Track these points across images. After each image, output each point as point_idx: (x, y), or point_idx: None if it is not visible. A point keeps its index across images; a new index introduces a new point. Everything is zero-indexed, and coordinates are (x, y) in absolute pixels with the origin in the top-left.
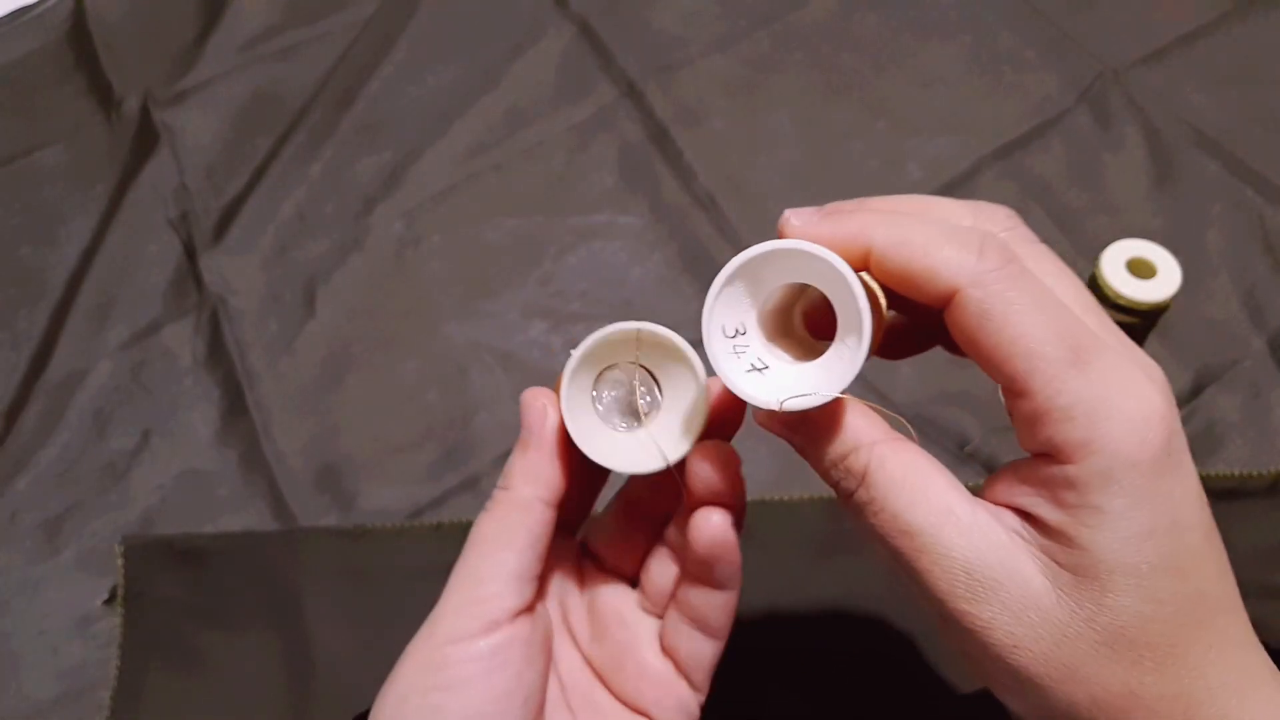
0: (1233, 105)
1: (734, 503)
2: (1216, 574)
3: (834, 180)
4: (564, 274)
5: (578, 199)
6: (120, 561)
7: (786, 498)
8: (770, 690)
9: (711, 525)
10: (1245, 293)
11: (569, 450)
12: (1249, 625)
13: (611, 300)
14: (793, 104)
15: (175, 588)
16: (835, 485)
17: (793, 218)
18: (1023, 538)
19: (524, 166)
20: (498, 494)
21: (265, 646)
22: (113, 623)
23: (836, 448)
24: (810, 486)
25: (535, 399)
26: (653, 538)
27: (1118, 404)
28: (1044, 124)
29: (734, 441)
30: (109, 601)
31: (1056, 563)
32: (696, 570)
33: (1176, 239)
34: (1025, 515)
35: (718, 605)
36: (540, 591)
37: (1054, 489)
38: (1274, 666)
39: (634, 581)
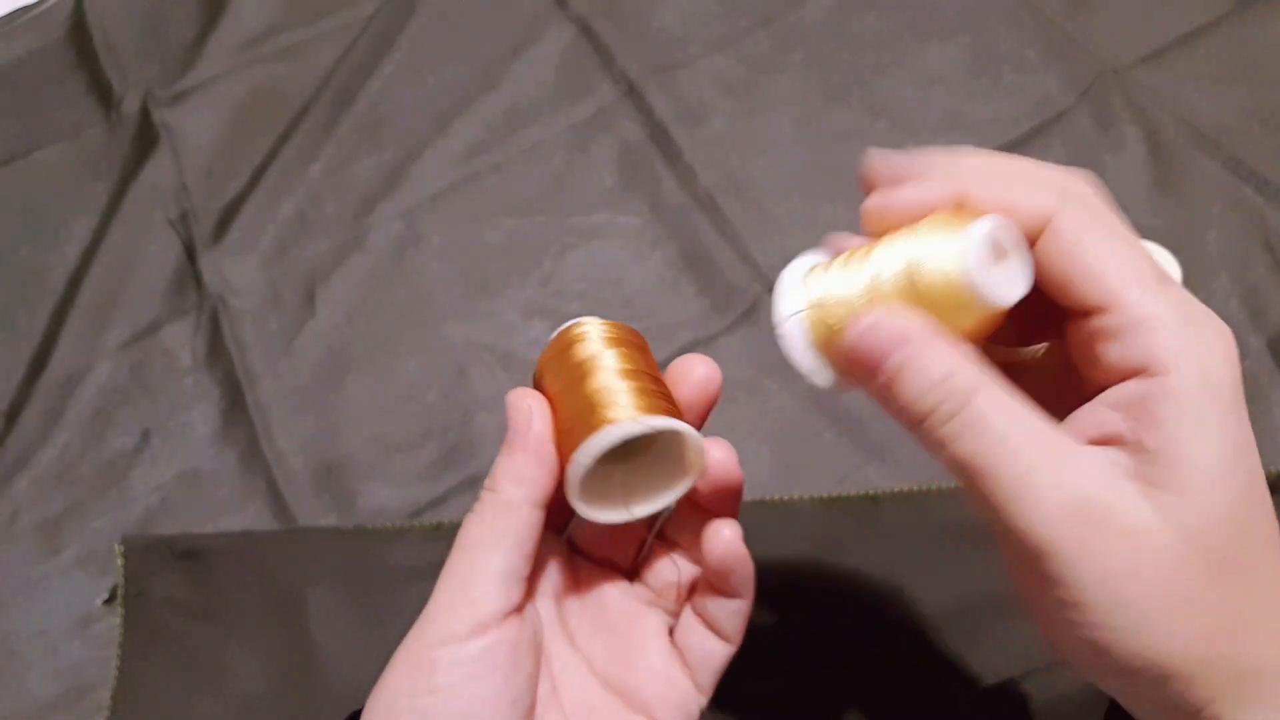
0: (1233, 105)
1: (735, 499)
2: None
3: (834, 180)
4: (564, 274)
5: (578, 199)
6: (120, 561)
7: (786, 498)
8: (767, 691)
9: (723, 539)
10: (1245, 293)
11: (555, 449)
12: None
13: (611, 300)
14: (793, 104)
15: (175, 588)
16: (928, 414)
17: (877, 166)
18: (1120, 466)
19: (524, 166)
20: (484, 496)
21: (265, 646)
22: (113, 623)
23: (936, 367)
24: (810, 486)
25: (521, 399)
26: (643, 530)
27: (1205, 320)
28: (1044, 124)
29: (734, 442)
30: (109, 601)
31: (1154, 486)
32: (712, 581)
33: (1176, 239)
34: (1117, 443)
35: (732, 611)
36: (529, 592)
37: (1148, 405)
38: None
39: (627, 574)
